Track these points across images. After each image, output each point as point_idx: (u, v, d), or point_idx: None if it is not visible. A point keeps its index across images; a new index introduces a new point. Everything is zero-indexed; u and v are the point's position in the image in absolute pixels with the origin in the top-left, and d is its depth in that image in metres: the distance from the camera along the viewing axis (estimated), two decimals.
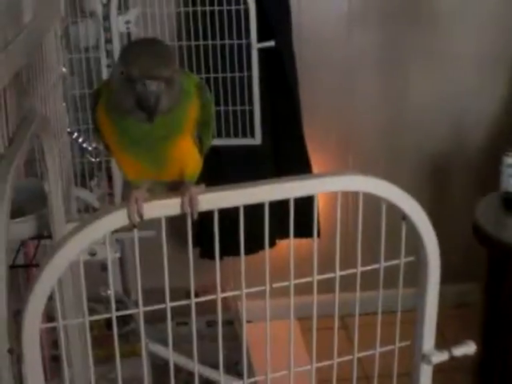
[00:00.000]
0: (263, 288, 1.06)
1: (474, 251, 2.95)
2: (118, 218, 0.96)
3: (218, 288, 1.01)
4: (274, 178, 1.01)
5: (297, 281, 1.05)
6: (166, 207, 0.98)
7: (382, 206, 1.05)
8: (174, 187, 1.05)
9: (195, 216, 0.98)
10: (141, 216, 0.97)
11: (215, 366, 2.44)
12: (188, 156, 1.09)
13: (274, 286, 1.05)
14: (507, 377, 2.69)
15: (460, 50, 3.31)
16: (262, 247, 2.16)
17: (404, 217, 1.07)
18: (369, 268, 1.09)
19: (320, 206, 3.20)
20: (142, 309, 1.01)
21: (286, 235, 2.81)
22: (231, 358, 2.63)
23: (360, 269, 1.09)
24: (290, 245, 1.03)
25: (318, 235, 3.10)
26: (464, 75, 3.35)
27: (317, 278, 1.07)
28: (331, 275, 1.08)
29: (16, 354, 0.99)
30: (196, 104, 1.07)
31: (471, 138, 3.44)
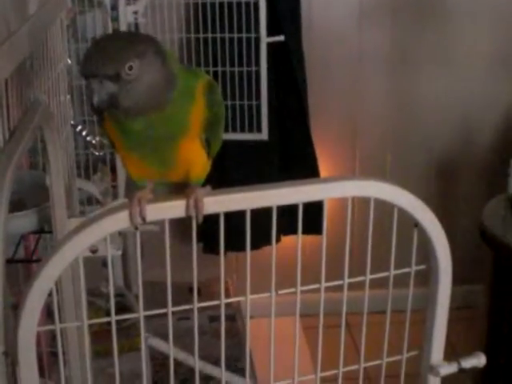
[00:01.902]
0: (268, 294, 1.02)
1: (479, 253, 2.92)
2: (120, 220, 0.93)
3: (222, 295, 0.98)
4: (282, 182, 0.98)
5: (304, 287, 1.02)
6: (170, 209, 0.95)
7: (394, 212, 1.02)
8: (180, 188, 1.01)
9: (200, 219, 0.95)
10: (143, 218, 0.93)
11: (216, 362, 2.43)
12: (194, 158, 1.05)
13: (280, 292, 1.02)
14: None
15: (471, 50, 3.28)
16: (266, 243, 2.16)
17: (416, 224, 1.03)
18: (378, 276, 1.06)
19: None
20: (142, 313, 0.98)
21: (290, 231, 2.80)
22: (232, 354, 2.61)
23: (369, 276, 1.06)
24: (298, 255, 0.99)
25: (321, 232, 3.08)
26: (474, 75, 3.32)
27: (324, 285, 1.04)
28: (339, 282, 1.05)
29: (11, 357, 0.96)
30: (201, 104, 1.01)
31: (480, 139, 3.41)
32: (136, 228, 0.94)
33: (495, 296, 2.78)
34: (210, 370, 2.35)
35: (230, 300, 1.01)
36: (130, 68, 0.93)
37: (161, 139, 1.00)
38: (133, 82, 0.94)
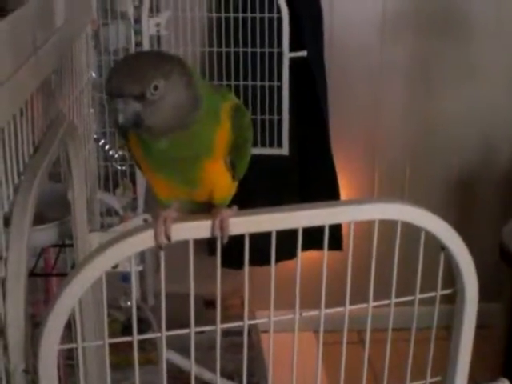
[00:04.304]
0: (291, 317, 1.01)
1: (497, 271, 2.90)
2: (145, 239, 0.92)
3: (245, 316, 0.97)
4: (307, 204, 0.97)
5: (328, 310, 1.01)
6: (195, 229, 0.94)
7: (421, 235, 1.01)
8: (206, 208, 1.01)
9: (225, 240, 0.94)
10: (168, 238, 0.92)
11: (229, 377, 2.41)
12: (219, 180, 1.04)
13: (304, 314, 1.00)
14: None
15: (492, 66, 3.27)
16: (283, 258, 2.15)
17: (443, 247, 1.02)
18: (403, 300, 1.04)
19: None
20: (164, 333, 0.97)
21: (308, 247, 2.77)
22: (247, 369, 2.59)
23: (394, 300, 1.04)
24: (323, 275, 0.98)
25: (341, 248, 3.08)
26: (495, 91, 3.30)
27: (348, 308, 1.02)
28: (363, 305, 1.03)
29: (31, 375, 0.95)
30: (226, 126, 1.00)
31: (500, 156, 3.39)
32: (160, 247, 0.93)
33: None
34: None
35: (253, 322, 1.00)
36: (156, 88, 0.93)
37: (185, 159, 0.99)
38: (158, 102, 0.93)
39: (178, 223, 0.93)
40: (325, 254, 0.99)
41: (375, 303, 1.04)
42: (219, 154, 1.01)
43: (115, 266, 1.39)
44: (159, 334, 0.97)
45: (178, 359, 2.44)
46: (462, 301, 1.05)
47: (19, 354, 0.96)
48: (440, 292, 1.06)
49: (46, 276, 1.64)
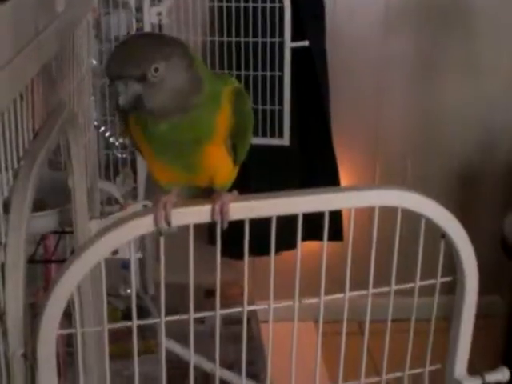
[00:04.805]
0: (291, 303, 1.01)
1: (498, 263, 2.90)
2: (144, 224, 0.92)
3: (245, 302, 0.96)
4: (308, 189, 0.96)
5: (328, 297, 1.01)
6: (195, 214, 0.93)
7: (421, 223, 1.01)
8: (206, 193, 1.00)
9: (225, 225, 0.94)
10: (168, 223, 0.92)
11: (230, 367, 2.41)
12: (219, 164, 1.03)
13: (304, 301, 1.00)
14: None
15: (495, 60, 3.26)
16: (284, 248, 2.14)
17: (443, 235, 1.02)
18: (403, 287, 1.04)
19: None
20: (163, 319, 0.97)
21: (307, 237, 2.77)
22: (246, 358, 2.58)
23: (394, 287, 1.04)
24: (323, 263, 0.98)
25: (341, 239, 3.07)
26: (498, 85, 3.30)
27: (348, 294, 1.02)
28: (363, 292, 1.03)
29: (30, 360, 0.95)
30: (227, 110, 1.00)
31: (502, 149, 3.39)
32: (160, 233, 0.93)
33: None
34: (226, 375, 2.33)
35: (252, 307, 0.99)
36: (156, 70, 0.92)
37: (185, 143, 0.98)
38: (158, 84, 0.93)
39: (178, 208, 0.93)
40: (325, 240, 0.99)
41: (375, 290, 1.04)
42: (220, 139, 1.01)
43: (115, 253, 1.39)
44: (158, 320, 0.96)
45: (177, 348, 2.44)
46: (462, 288, 1.05)
47: (18, 339, 0.96)
48: (440, 280, 1.06)
49: (46, 262, 1.64)
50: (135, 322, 0.96)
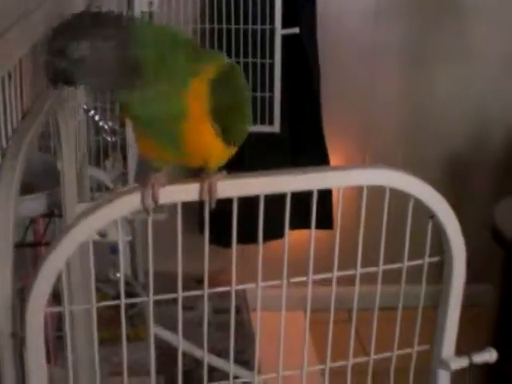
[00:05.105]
0: (279, 282, 1.01)
1: (489, 252, 2.91)
2: (132, 202, 0.92)
3: (233, 279, 0.97)
4: (296, 168, 0.97)
5: (316, 276, 1.01)
6: (183, 192, 0.93)
7: (410, 202, 1.01)
8: (196, 173, 1.00)
9: (213, 204, 0.94)
10: (155, 201, 0.92)
11: (219, 354, 2.41)
12: (205, 145, 1.00)
13: (292, 280, 1.00)
14: None
15: (486, 48, 3.26)
16: (271, 237, 2.14)
17: (432, 215, 1.02)
18: (391, 267, 1.04)
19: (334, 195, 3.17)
20: (152, 297, 0.97)
21: (297, 226, 2.78)
22: (236, 346, 2.59)
23: (381, 267, 1.04)
24: (311, 241, 0.98)
25: (331, 227, 3.08)
26: (489, 73, 3.30)
27: (336, 274, 1.02)
28: (352, 272, 1.03)
29: (19, 338, 0.95)
30: (201, 90, 0.96)
31: (493, 137, 3.39)
32: (147, 211, 0.93)
33: (504, 295, 2.76)
34: (215, 361, 2.33)
35: (240, 287, 1.00)
36: (77, 46, 0.91)
37: (160, 121, 0.97)
38: (83, 61, 0.92)
39: (166, 186, 0.93)
40: (312, 221, 0.99)
41: (363, 270, 1.04)
42: (197, 119, 0.98)
43: (103, 235, 1.39)
44: (147, 298, 0.96)
45: (166, 335, 2.44)
46: (450, 269, 1.05)
47: (6, 317, 0.96)
48: (427, 259, 1.07)
49: (35, 246, 1.64)
50: (123, 301, 0.96)
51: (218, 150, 1.02)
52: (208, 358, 2.43)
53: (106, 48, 0.93)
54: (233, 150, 1.05)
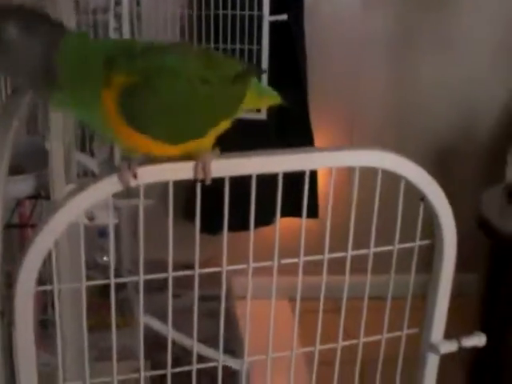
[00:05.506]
0: (270, 263, 1.01)
1: (474, 241, 2.91)
2: (117, 181, 0.91)
3: (224, 258, 0.96)
4: (289, 149, 0.96)
5: (307, 258, 1.01)
6: (176, 171, 0.93)
7: (401, 184, 1.01)
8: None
9: (208, 182, 0.93)
10: (134, 175, 0.91)
11: (207, 342, 2.41)
12: (143, 148, 0.93)
13: (283, 262, 1.00)
14: (503, 368, 2.67)
15: (473, 36, 3.26)
16: (260, 223, 2.14)
17: (423, 198, 1.02)
18: (382, 249, 1.04)
19: (319, 184, 3.17)
20: (142, 277, 0.96)
21: (284, 214, 2.78)
22: (222, 334, 2.59)
23: (372, 250, 1.04)
24: (302, 223, 0.98)
25: (317, 216, 3.08)
26: (476, 62, 3.30)
27: (327, 256, 1.02)
28: (343, 254, 1.03)
29: (7, 318, 0.94)
30: (112, 99, 0.89)
31: (480, 126, 3.39)
32: (127, 185, 0.91)
33: (491, 285, 2.77)
34: (203, 350, 2.33)
35: (231, 267, 0.99)
36: (7, 28, 0.89)
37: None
38: (7, 45, 0.89)
39: (161, 164, 0.92)
40: (304, 202, 0.99)
41: (354, 252, 1.04)
42: (118, 128, 0.91)
43: (91, 219, 1.38)
44: (137, 278, 0.96)
45: (154, 323, 2.43)
46: (441, 252, 1.05)
47: None
48: (418, 242, 1.06)
49: (22, 227, 1.63)
50: (113, 280, 0.95)
51: (163, 150, 0.95)
52: (196, 346, 2.44)
53: (34, 42, 0.90)
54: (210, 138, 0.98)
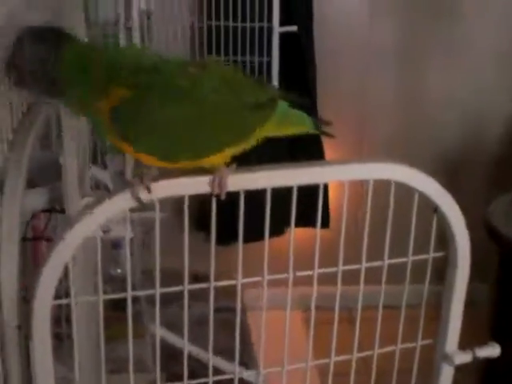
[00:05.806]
0: (284, 275, 1.01)
1: (483, 249, 2.91)
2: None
3: (239, 271, 0.97)
4: (303, 162, 0.97)
5: (321, 270, 1.01)
6: (192, 185, 0.93)
7: (415, 196, 1.01)
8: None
9: (223, 197, 0.94)
10: (148, 190, 0.91)
11: (220, 354, 2.41)
12: (142, 160, 0.94)
13: (298, 274, 1.01)
14: None
15: (481, 45, 3.26)
16: (272, 234, 2.14)
17: (436, 209, 1.02)
18: (396, 261, 1.05)
19: (330, 194, 3.17)
20: (158, 290, 0.97)
21: (296, 224, 2.77)
22: (233, 345, 2.58)
23: (387, 261, 1.05)
24: (317, 233, 0.99)
25: (328, 226, 3.07)
26: (483, 71, 3.30)
27: (342, 268, 1.03)
28: (357, 266, 1.03)
29: (24, 331, 0.95)
30: (106, 112, 0.90)
31: (488, 135, 3.39)
32: (140, 201, 0.92)
33: (501, 293, 2.76)
34: (216, 361, 2.33)
35: (248, 280, 1.00)
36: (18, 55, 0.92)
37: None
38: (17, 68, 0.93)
39: (176, 179, 0.93)
40: (318, 214, 0.99)
41: (368, 264, 1.04)
42: (115, 140, 0.93)
43: (106, 231, 1.39)
44: (154, 291, 0.96)
45: (166, 335, 2.44)
46: (455, 262, 1.06)
47: (12, 310, 0.96)
48: (432, 255, 1.07)
49: (36, 240, 1.63)
50: (130, 293, 0.96)
51: (165, 165, 0.95)
52: (208, 358, 2.43)
53: (40, 52, 0.92)
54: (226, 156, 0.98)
